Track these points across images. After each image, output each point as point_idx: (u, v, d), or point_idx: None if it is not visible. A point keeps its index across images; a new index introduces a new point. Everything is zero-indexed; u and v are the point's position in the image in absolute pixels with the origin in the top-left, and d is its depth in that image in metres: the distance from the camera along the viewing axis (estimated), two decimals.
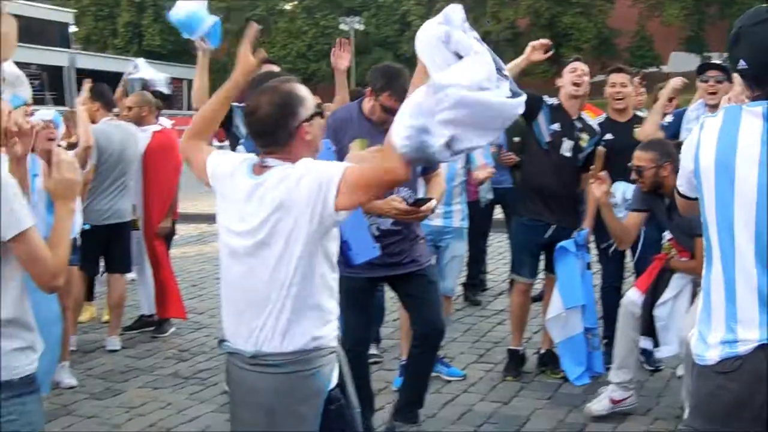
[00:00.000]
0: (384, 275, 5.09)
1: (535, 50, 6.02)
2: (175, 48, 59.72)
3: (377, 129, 4.77)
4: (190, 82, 5.16)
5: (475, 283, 9.07)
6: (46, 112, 6.35)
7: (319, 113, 3.21)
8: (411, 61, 3.73)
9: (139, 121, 7.81)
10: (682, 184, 3.20)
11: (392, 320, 7.57)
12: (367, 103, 5.03)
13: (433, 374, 5.76)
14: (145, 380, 6.64)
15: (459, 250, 6.80)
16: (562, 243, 6.21)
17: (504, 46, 59.47)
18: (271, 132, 3.11)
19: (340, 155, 4.38)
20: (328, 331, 3.14)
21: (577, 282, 6.23)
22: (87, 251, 6.90)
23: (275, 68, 5.90)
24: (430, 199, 4.77)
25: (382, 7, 63.08)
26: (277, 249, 3.01)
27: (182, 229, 14.06)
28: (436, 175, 5.25)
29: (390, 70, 4.99)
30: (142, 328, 8.00)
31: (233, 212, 3.15)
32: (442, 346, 6.64)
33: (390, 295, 7.83)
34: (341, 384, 3.21)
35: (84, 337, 7.73)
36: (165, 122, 8.28)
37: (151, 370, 6.87)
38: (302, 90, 3.19)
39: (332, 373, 3.15)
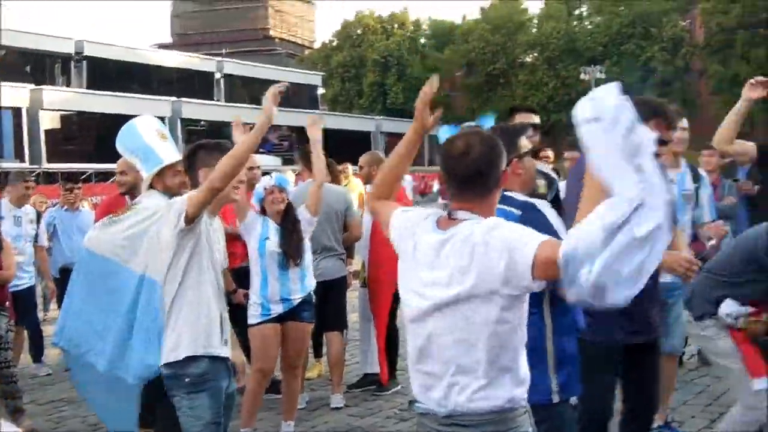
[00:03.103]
0: (630, 342, 4.69)
1: (753, 87, 5.67)
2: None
3: None
4: (430, 137, 5.17)
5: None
6: (267, 179, 6.61)
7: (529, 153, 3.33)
8: None
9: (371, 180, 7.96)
10: None
11: None
12: None
13: None
14: None
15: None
16: None
17: None
18: (485, 174, 3.03)
19: None
20: (523, 390, 3.07)
21: None
22: None
23: (533, 116, 5.98)
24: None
25: (624, 54, 61.92)
26: (466, 310, 2.93)
27: None
28: (681, 232, 5.05)
29: (653, 101, 4.56)
30: (367, 386, 8.05)
31: (417, 271, 3.09)
32: (673, 409, 6.34)
33: None
34: None
35: (313, 393, 7.91)
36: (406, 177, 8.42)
37: (372, 430, 6.89)
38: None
39: None
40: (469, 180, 3.04)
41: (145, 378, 4.65)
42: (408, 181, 31.22)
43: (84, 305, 4.92)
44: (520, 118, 5.89)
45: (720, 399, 7.09)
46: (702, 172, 6.72)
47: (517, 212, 3.54)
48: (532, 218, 3.34)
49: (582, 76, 56.04)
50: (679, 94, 57.08)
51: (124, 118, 5.56)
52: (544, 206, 3.86)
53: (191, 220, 4.18)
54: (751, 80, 5.72)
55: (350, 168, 11.05)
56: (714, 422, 6.52)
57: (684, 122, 6.27)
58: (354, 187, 10.48)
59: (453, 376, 2.99)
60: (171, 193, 4.80)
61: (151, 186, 4.90)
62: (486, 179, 3.03)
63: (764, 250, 5.06)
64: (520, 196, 3.81)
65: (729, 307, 5.09)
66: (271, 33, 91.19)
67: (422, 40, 74.17)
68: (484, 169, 3.01)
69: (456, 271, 2.93)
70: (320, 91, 66.38)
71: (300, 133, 43.04)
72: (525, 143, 3.81)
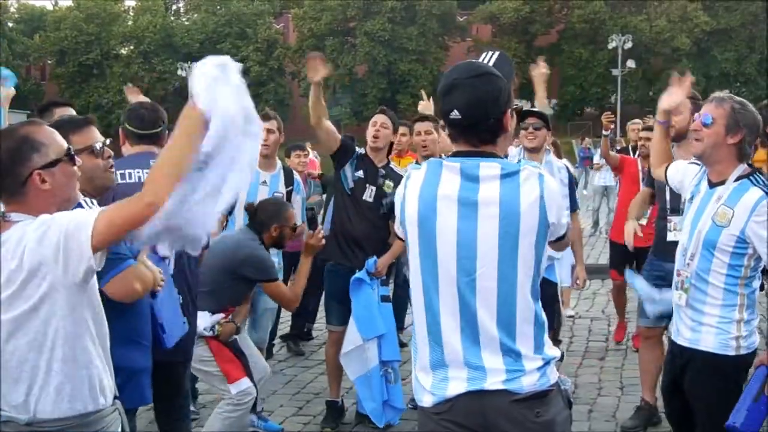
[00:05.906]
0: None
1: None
2: None
3: None
4: None
5: (300, 334, 8.98)
6: None
7: (70, 159, 2.98)
8: None
9: None
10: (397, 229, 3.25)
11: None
12: None
13: (251, 429, 5.81)
14: None
15: (271, 302, 6.52)
16: (356, 274, 6.18)
17: (341, 92, 60.34)
18: (7, 174, 2.88)
19: None
20: (106, 389, 3.00)
21: (374, 312, 6.17)
22: None
23: (71, 110, 5.58)
24: None
25: (220, 53, 62.59)
26: (33, 313, 2.80)
27: None
28: None
29: None
30: None
31: None
32: (263, 399, 6.60)
33: None
34: None
35: None
36: None
37: None
38: (43, 134, 2.95)
39: None
40: None
41: None
42: None
43: None
44: (60, 112, 5.46)
45: (306, 387, 7.50)
46: (295, 174, 7.07)
47: None
48: None
49: (179, 71, 56.12)
50: (272, 94, 59.04)
51: None
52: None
53: None
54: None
55: None
56: (301, 409, 6.93)
57: (274, 124, 6.57)
58: None
59: (27, 382, 2.86)
60: None
61: None
62: (2, 184, 2.90)
63: (241, 260, 5.46)
64: None
65: (204, 321, 5.23)
66: None
67: (10, 24, 70.21)
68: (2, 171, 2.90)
69: (12, 274, 2.79)
70: None
71: None
72: (84, 139, 3.61)
